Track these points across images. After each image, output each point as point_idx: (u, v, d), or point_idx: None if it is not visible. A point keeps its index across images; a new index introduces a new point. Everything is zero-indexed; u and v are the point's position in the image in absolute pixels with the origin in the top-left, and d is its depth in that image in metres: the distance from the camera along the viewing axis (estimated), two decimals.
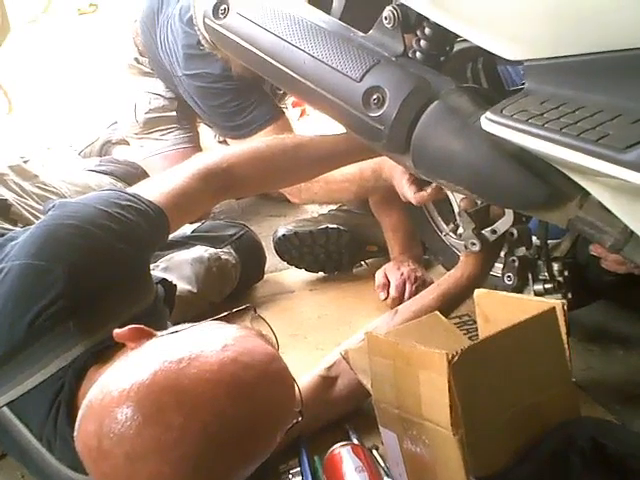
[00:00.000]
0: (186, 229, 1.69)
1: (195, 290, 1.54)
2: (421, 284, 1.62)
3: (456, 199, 1.31)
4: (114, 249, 1.01)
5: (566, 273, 1.26)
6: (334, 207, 1.91)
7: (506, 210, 1.23)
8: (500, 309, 1.03)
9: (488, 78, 1.32)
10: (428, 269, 1.76)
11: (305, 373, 1.16)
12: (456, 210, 1.31)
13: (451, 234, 1.54)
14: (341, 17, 1.18)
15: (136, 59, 2.17)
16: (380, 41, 1.07)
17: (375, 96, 1.03)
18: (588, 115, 0.73)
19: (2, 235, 1.12)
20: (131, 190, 1.14)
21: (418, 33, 1.07)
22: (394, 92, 1.01)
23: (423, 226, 1.65)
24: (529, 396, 0.87)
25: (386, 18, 1.05)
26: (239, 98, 1.88)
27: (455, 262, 1.33)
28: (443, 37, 1.05)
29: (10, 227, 1.37)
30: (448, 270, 1.35)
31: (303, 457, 1.08)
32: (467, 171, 0.95)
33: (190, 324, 0.85)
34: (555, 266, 1.26)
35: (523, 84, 0.87)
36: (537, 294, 1.24)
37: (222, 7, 1.28)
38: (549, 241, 1.27)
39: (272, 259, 1.82)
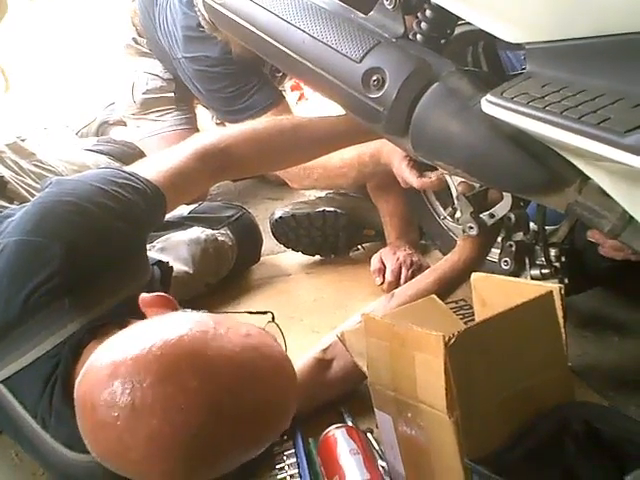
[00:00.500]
0: (183, 210, 1.69)
1: (191, 271, 1.54)
2: (417, 269, 1.62)
3: (454, 183, 1.31)
4: (112, 227, 1.00)
5: (563, 259, 1.26)
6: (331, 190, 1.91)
7: (504, 194, 1.23)
8: (497, 293, 1.03)
9: (489, 62, 1.32)
10: (425, 254, 1.76)
11: (301, 355, 1.15)
12: (454, 194, 1.31)
13: (449, 218, 1.54)
14: None
15: (134, 39, 2.16)
16: (381, 22, 1.06)
17: (375, 77, 1.02)
18: (589, 99, 0.72)
19: None
20: (128, 169, 1.14)
21: (419, 15, 1.06)
22: (394, 73, 1.00)
23: (421, 210, 1.65)
24: (525, 379, 0.87)
25: None
26: (238, 82, 1.87)
27: (452, 247, 1.33)
28: (444, 19, 1.04)
29: (6, 204, 1.37)
30: (445, 255, 1.35)
31: (298, 439, 1.08)
32: (466, 153, 0.94)
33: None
34: (552, 251, 1.26)
35: (524, 69, 0.86)
36: (534, 279, 1.23)
37: None
38: (547, 227, 1.27)
39: (269, 242, 1.82)
